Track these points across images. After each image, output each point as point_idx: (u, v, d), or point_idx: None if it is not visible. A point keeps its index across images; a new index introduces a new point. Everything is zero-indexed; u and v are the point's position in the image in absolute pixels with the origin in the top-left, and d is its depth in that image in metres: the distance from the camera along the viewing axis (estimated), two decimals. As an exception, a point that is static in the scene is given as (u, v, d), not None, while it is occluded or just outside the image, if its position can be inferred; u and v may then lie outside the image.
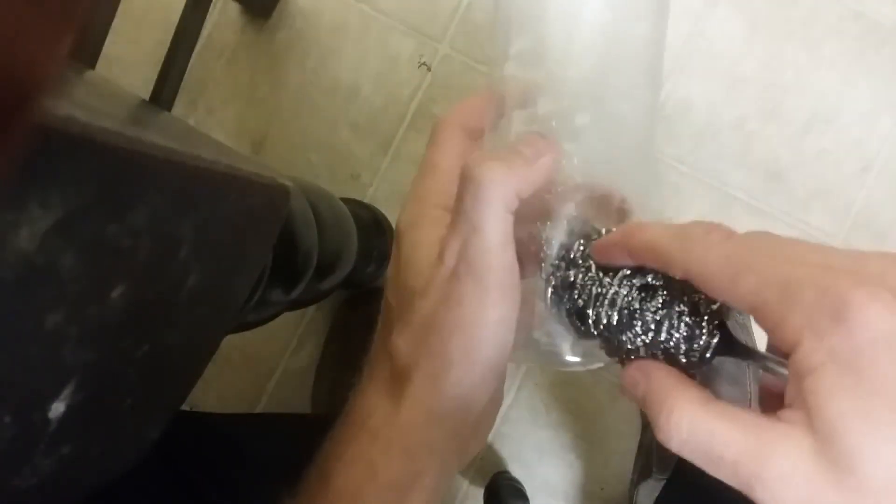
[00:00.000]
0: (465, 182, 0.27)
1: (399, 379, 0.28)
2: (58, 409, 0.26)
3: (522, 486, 0.87)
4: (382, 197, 0.89)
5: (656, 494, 0.78)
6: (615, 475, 0.89)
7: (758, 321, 0.22)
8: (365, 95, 0.88)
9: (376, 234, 0.83)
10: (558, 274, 0.28)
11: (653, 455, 0.81)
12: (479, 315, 0.27)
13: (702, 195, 0.88)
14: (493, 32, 0.31)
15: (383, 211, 0.87)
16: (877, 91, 0.88)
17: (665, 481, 0.77)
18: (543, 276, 0.28)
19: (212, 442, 0.56)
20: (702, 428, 0.22)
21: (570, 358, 0.30)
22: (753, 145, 0.88)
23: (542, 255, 0.28)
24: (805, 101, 0.88)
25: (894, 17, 0.88)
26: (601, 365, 0.30)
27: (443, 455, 0.29)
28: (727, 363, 0.25)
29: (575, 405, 0.89)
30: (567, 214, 0.28)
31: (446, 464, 0.29)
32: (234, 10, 0.89)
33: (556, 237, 0.28)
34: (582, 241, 0.28)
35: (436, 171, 0.31)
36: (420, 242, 0.29)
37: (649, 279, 0.26)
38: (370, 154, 0.89)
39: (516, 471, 0.89)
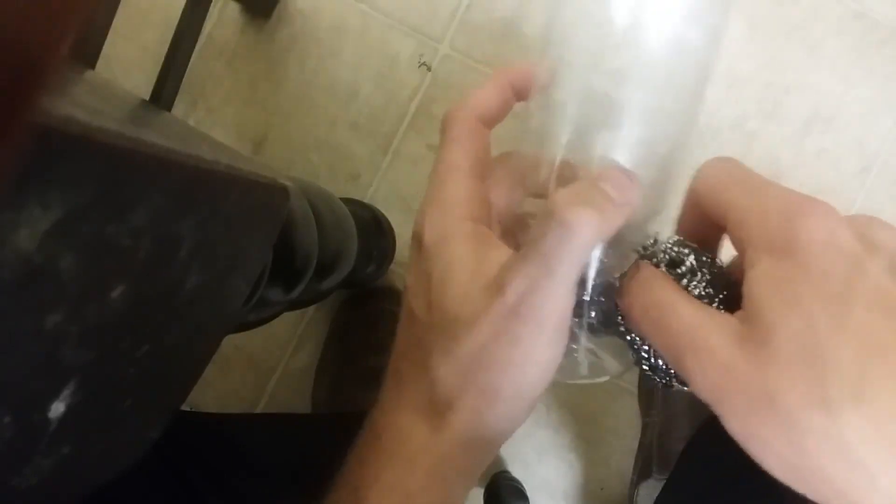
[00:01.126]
0: (552, 222, 0.25)
1: (439, 407, 0.28)
2: (58, 409, 0.26)
3: (522, 485, 0.87)
4: (382, 197, 0.89)
5: (656, 494, 0.78)
6: (615, 475, 0.89)
7: (715, 213, 0.25)
8: (365, 95, 0.88)
9: (376, 234, 0.84)
10: (600, 288, 0.27)
11: (653, 455, 0.81)
12: (534, 356, 0.26)
13: (702, 195, 0.88)
14: (554, 24, 0.29)
15: (383, 211, 0.87)
16: (877, 91, 0.88)
17: (665, 481, 0.77)
18: (591, 297, 0.27)
19: (212, 442, 0.56)
20: (665, 298, 0.25)
21: (585, 365, 0.30)
22: (753, 145, 0.88)
23: (588, 277, 0.27)
24: (805, 101, 0.88)
25: (894, 17, 0.88)
26: (607, 378, 0.30)
27: (472, 478, 0.29)
28: None
29: (575, 405, 0.89)
30: (640, 243, 0.28)
31: (472, 483, 0.30)
32: (234, 10, 0.89)
33: (615, 264, 0.27)
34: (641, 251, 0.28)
35: (456, 173, 0.29)
36: (456, 262, 0.28)
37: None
38: (370, 154, 0.89)
39: (516, 470, 0.89)
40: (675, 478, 0.74)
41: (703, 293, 0.26)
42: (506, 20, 0.88)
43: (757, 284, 0.22)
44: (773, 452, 0.22)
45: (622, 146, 0.28)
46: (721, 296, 0.26)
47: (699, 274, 0.26)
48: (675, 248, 0.27)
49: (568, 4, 0.29)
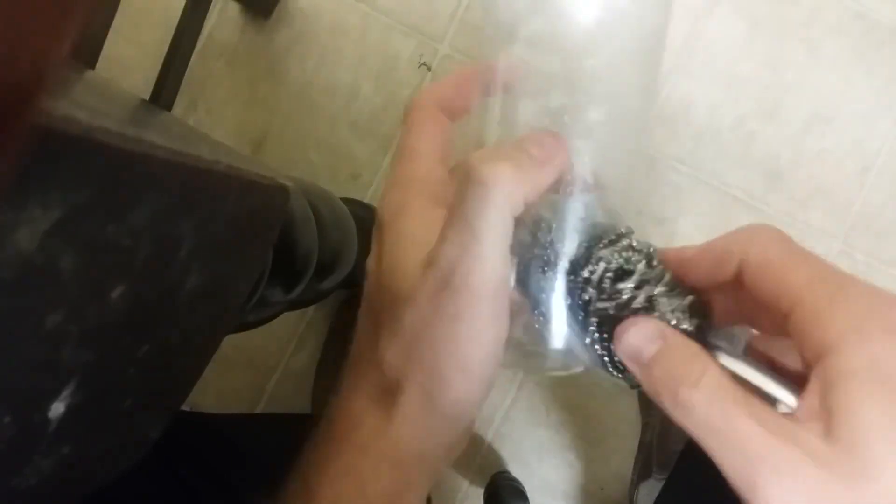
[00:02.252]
0: (468, 182, 0.24)
1: (389, 391, 0.27)
2: (58, 409, 0.26)
3: (522, 485, 0.87)
4: (382, 197, 0.89)
5: (656, 494, 0.78)
6: (615, 475, 0.89)
7: (795, 319, 0.21)
8: (365, 95, 0.88)
9: (376, 234, 0.83)
10: (567, 277, 0.26)
11: (653, 455, 0.81)
12: (475, 332, 0.25)
13: (702, 195, 0.88)
14: (495, 4, 0.28)
15: (383, 211, 0.87)
16: (877, 91, 0.88)
17: (665, 481, 0.77)
18: (542, 278, 0.27)
19: (211, 442, 0.56)
20: (721, 409, 0.21)
21: (553, 360, 0.28)
22: (753, 145, 0.88)
23: (544, 257, 0.26)
24: (805, 101, 0.88)
25: (894, 17, 0.88)
26: (582, 368, 0.29)
27: (431, 465, 0.28)
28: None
29: (575, 405, 0.89)
30: (577, 216, 0.26)
31: (433, 472, 0.28)
32: (234, 10, 0.89)
33: (564, 240, 0.26)
34: (592, 244, 0.26)
35: (414, 155, 0.29)
36: (404, 235, 0.27)
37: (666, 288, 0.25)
38: (370, 154, 0.89)
39: (516, 470, 0.89)
40: (675, 478, 0.74)
41: (664, 312, 0.24)
42: (506, 20, 0.88)
43: (855, 406, 0.20)
44: None
45: (557, 117, 0.27)
46: (688, 322, 0.24)
47: (648, 288, 0.25)
48: (631, 254, 0.26)
49: None
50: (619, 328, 0.25)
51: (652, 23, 0.28)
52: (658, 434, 0.81)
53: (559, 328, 0.27)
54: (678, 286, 0.25)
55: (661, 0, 0.28)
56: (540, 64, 0.27)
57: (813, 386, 0.21)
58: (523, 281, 0.27)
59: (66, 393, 0.26)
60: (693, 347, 0.23)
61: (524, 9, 0.27)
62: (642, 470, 0.83)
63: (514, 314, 0.27)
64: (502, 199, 0.24)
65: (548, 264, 0.26)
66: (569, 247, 0.26)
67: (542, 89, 0.27)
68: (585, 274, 0.26)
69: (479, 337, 0.25)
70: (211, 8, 0.72)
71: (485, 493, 0.86)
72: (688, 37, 0.88)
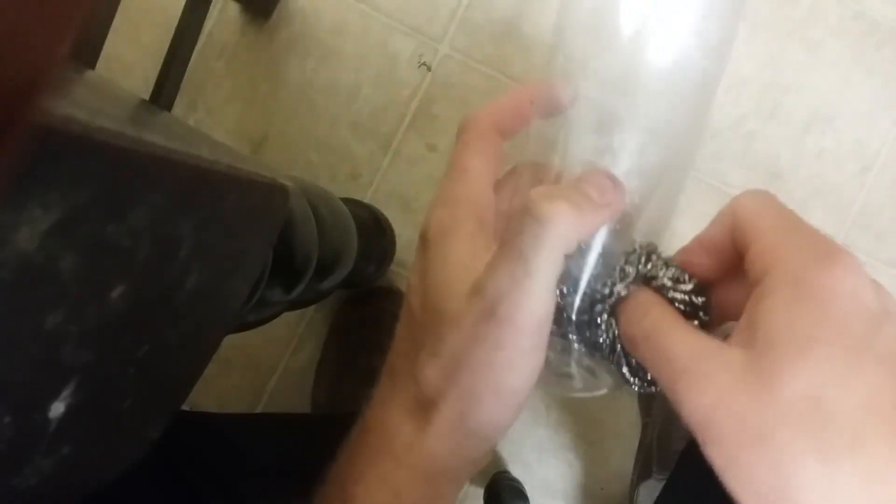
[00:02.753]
0: (527, 217, 0.25)
1: (425, 406, 0.28)
2: (57, 409, 0.26)
3: (522, 485, 0.87)
4: (382, 197, 0.89)
5: (656, 494, 0.78)
6: (615, 475, 0.89)
7: (751, 253, 0.24)
8: (365, 95, 0.88)
9: (376, 234, 0.84)
10: (596, 302, 0.27)
11: (653, 455, 0.81)
12: (516, 362, 0.26)
13: (702, 195, 0.88)
14: (564, 28, 0.29)
15: (383, 211, 0.87)
16: (877, 91, 0.88)
17: (665, 481, 0.77)
18: (575, 303, 0.27)
19: (211, 442, 0.56)
20: (664, 323, 0.24)
21: (582, 381, 0.29)
22: (753, 145, 0.88)
23: (578, 288, 0.27)
24: (805, 101, 0.88)
25: (894, 17, 0.88)
26: (605, 390, 0.30)
27: (460, 477, 0.29)
28: None
29: (575, 405, 0.89)
30: (623, 252, 0.27)
31: (461, 482, 0.30)
32: (234, 10, 0.89)
33: (598, 269, 0.27)
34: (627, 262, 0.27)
35: (467, 175, 0.29)
36: (452, 258, 0.28)
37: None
38: (370, 154, 0.89)
39: (516, 470, 0.89)
40: (676, 478, 0.74)
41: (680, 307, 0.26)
42: (506, 20, 0.88)
43: (773, 315, 0.22)
44: (754, 489, 0.21)
45: (615, 155, 0.28)
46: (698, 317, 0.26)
47: (672, 290, 0.26)
48: (658, 266, 0.27)
49: (574, 9, 0.29)
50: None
51: (713, 72, 0.28)
52: (658, 434, 0.81)
53: (590, 353, 0.28)
54: (685, 273, 0.27)
55: (725, 51, 0.28)
56: (608, 102, 0.28)
57: (748, 309, 0.23)
58: (560, 306, 0.27)
59: (66, 393, 0.26)
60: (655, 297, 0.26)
61: (599, 44, 0.28)
62: (642, 470, 0.83)
63: (559, 348, 0.28)
64: (559, 238, 0.25)
65: (582, 290, 0.27)
66: (603, 274, 0.27)
67: (608, 128, 0.28)
68: (611, 293, 0.27)
69: (517, 366, 0.26)
70: (211, 8, 0.72)
71: (485, 493, 0.86)
72: (688, 37, 0.88)
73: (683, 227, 0.30)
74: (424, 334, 0.28)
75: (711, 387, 0.22)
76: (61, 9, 0.16)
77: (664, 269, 0.27)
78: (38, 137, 0.18)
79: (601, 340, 0.27)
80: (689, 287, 0.26)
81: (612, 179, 0.27)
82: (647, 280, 0.27)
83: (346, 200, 0.83)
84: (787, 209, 0.25)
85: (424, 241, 0.30)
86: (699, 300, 0.26)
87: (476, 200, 0.29)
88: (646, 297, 0.26)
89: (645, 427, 0.86)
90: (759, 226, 0.24)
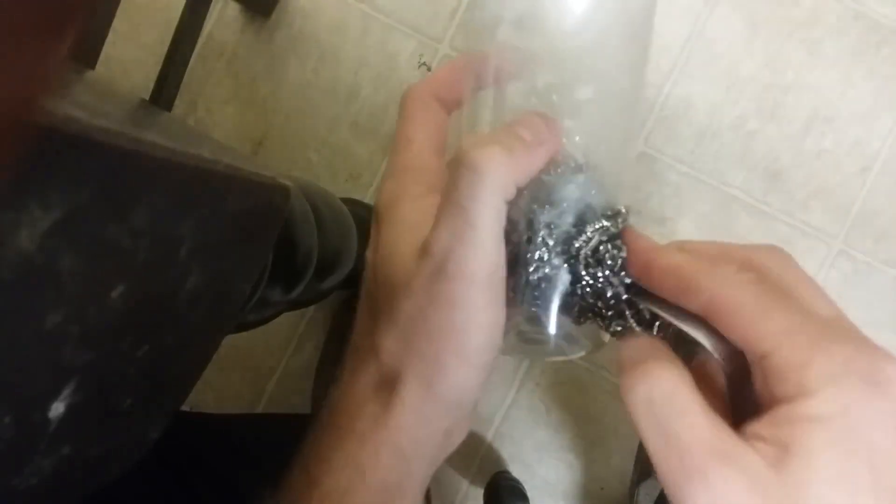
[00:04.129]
0: (460, 168, 0.24)
1: (387, 380, 0.27)
2: (58, 409, 0.26)
3: (522, 485, 0.87)
4: (382, 197, 0.89)
5: (657, 494, 0.78)
6: (615, 475, 0.89)
7: (772, 363, 0.21)
8: (365, 95, 0.88)
9: (376, 234, 0.83)
10: (562, 257, 0.26)
11: (653, 455, 0.80)
12: (472, 319, 0.25)
13: (702, 195, 0.88)
14: None
15: (383, 211, 0.87)
16: (877, 91, 0.88)
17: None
18: (536, 260, 0.26)
19: (211, 442, 0.56)
20: (675, 402, 0.22)
21: (554, 345, 0.28)
22: (753, 145, 0.88)
23: (534, 238, 0.26)
24: (805, 101, 0.88)
25: (894, 17, 0.88)
26: (582, 353, 0.29)
27: (431, 453, 0.28)
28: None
29: (575, 405, 0.89)
30: (569, 196, 0.26)
31: (433, 460, 0.28)
32: (234, 9, 0.89)
33: (556, 221, 0.26)
34: (586, 224, 0.26)
35: (410, 144, 0.29)
36: (400, 224, 0.28)
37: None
38: (370, 154, 0.89)
39: (516, 470, 0.89)
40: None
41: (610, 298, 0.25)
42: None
43: (817, 453, 0.20)
44: None
45: (542, 97, 0.27)
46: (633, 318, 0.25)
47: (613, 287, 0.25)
48: (608, 242, 0.26)
49: None
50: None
51: (638, 3, 0.28)
52: (658, 434, 0.81)
53: (557, 311, 0.27)
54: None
55: None
56: (525, 45, 0.27)
57: (777, 417, 0.21)
58: (519, 265, 0.27)
59: (66, 393, 0.26)
60: (662, 346, 0.24)
61: None
62: (642, 470, 0.83)
63: (512, 301, 0.27)
64: (494, 184, 0.24)
65: (542, 246, 0.26)
66: (564, 228, 0.26)
67: (529, 70, 0.27)
68: (579, 252, 0.26)
69: (474, 323, 0.25)
70: (211, 8, 0.72)
71: (485, 493, 0.86)
72: (688, 37, 0.88)
73: (684, 228, 0.30)
74: (380, 305, 0.27)
75: (726, 497, 0.20)
76: (61, 9, 0.16)
77: (615, 251, 0.26)
78: (39, 137, 0.18)
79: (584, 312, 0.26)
80: (625, 283, 0.26)
81: (543, 117, 0.26)
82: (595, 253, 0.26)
83: (346, 200, 0.83)
84: (796, 303, 0.22)
85: (376, 213, 0.29)
86: (626, 306, 0.26)
87: (422, 167, 0.29)
88: (653, 348, 0.24)
89: (645, 427, 0.86)
90: (773, 331, 0.21)
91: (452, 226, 0.24)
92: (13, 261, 0.21)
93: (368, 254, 0.30)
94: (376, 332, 0.27)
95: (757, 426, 0.21)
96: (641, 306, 0.26)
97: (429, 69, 0.88)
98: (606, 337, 0.28)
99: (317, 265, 0.57)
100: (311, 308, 0.90)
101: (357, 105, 0.88)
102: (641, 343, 0.25)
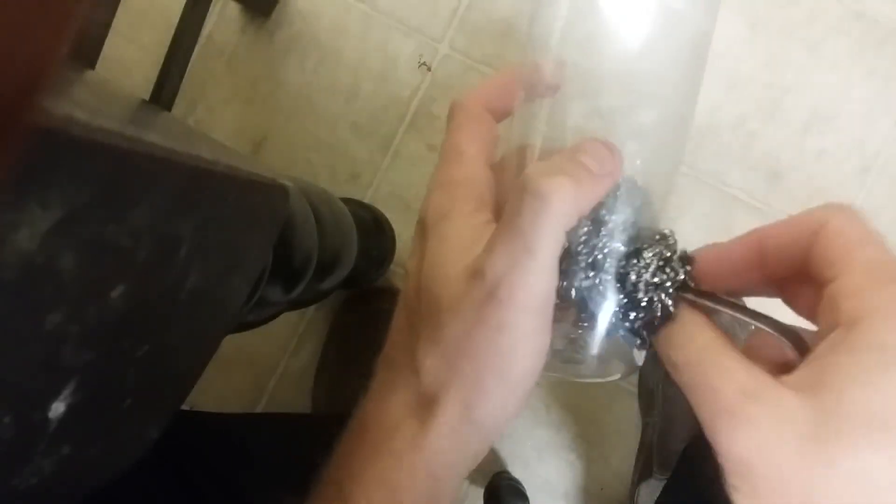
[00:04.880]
0: (525, 195, 0.24)
1: (426, 400, 0.27)
2: (58, 409, 0.26)
3: (522, 485, 0.87)
4: (382, 197, 0.89)
5: (657, 494, 0.78)
6: (615, 475, 0.89)
7: (837, 286, 0.22)
8: (365, 95, 0.88)
9: (376, 234, 0.84)
10: (615, 280, 0.26)
11: (653, 455, 0.81)
12: (518, 345, 0.25)
13: (702, 195, 0.88)
14: (542, 10, 0.28)
15: (383, 211, 0.87)
16: (877, 91, 0.88)
17: (666, 481, 0.77)
18: (587, 282, 0.26)
19: (212, 441, 0.56)
20: (710, 353, 0.23)
21: (592, 367, 0.28)
22: (754, 145, 0.88)
23: (584, 261, 0.26)
24: (805, 101, 0.88)
25: (894, 16, 0.88)
26: (618, 376, 0.29)
27: (462, 472, 0.28)
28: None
29: (575, 405, 0.89)
30: (624, 221, 0.26)
31: (462, 478, 0.28)
32: (234, 10, 0.89)
33: (609, 244, 0.26)
34: (638, 246, 0.26)
35: (462, 157, 0.29)
36: (451, 240, 0.27)
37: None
38: (370, 154, 0.89)
39: (516, 470, 0.89)
40: (676, 478, 0.74)
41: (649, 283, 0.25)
42: (505, 20, 0.88)
43: (853, 383, 0.20)
44: None
45: (604, 118, 0.27)
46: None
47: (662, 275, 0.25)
48: (664, 259, 0.26)
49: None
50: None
51: (700, 25, 0.28)
52: (659, 434, 0.81)
53: (601, 334, 0.27)
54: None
55: (710, 3, 0.27)
56: (590, 65, 0.27)
57: (821, 352, 0.21)
58: (566, 286, 0.26)
59: (66, 393, 0.26)
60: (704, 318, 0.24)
61: (575, 11, 0.27)
62: (643, 470, 0.83)
63: (554, 322, 0.26)
64: (559, 213, 0.24)
65: (592, 269, 0.26)
66: (614, 252, 0.26)
67: (593, 91, 0.27)
68: (633, 277, 0.26)
69: (521, 350, 0.25)
70: (211, 8, 0.72)
71: (485, 493, 0.86)
72: (688, 37, 0.88)
73: (685, 228, 0.29)
74: (422, 322, 0.27)
75: (758, 433, 0.20)
76: (61, 9, 0.16)
77: (678, 267, 0.26)
78: (39, 137, 0.18)
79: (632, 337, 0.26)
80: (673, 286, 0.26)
81: (608, 146, 0.26)
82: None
83: (346, 200, 0.83)
84: (886, 249, 0.22)
85: (423, 226, 0.29)
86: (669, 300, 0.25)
87: (473, 181, 0.28)
88: (692, 318, 0.25)
89: (645, 427, 0.86)
90: (855, 259, 0.22)
91: (510, 252, 0.24)
92: (13, 261, 0.20)
93: (411, 265, 0.29)
94: (417, 349, 0.27)
95: (797, 368, 0.22)
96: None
97: (429, 69, 0.88)
98: (641, 360, 0.28)
99: (317, 265, 0.57)
100: (312, 308, 0.90)
101: (357, 105, 0.88)
102: (684, 319, 0.25)
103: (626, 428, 0.89)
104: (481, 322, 0.25)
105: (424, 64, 0.88)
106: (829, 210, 0.23)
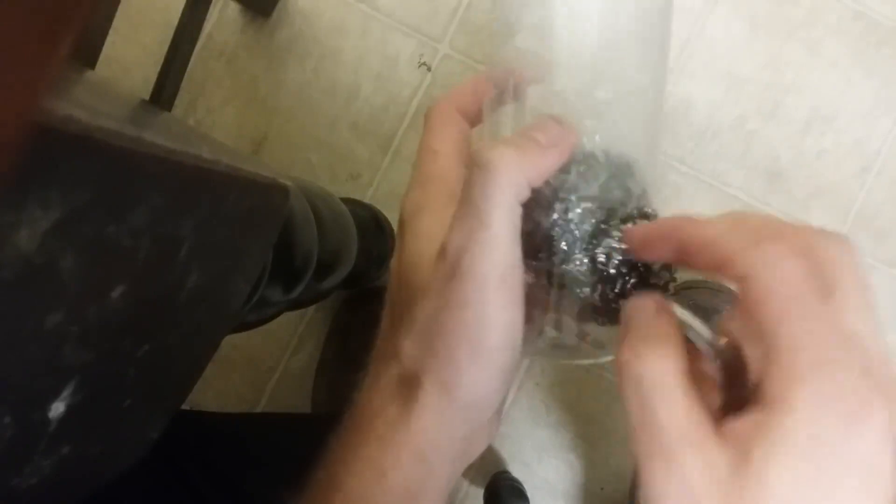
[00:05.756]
0: (473, 169, 0.25)
1: (408, 383, 0.27)
2: (58, 409, 0.26)
3: (522, 485, 0.87)
4: (382, 197, 0.89)
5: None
6: (615, 475, 0.89)
7: (772, 362, 0.21)
8: (365, 95, 0.88)
9: (376, 233, 0.83)
10: (582, 260, 0.26)
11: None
12: (485, 318, 0.25)
13: (702, 195, 0.88)
14: (499, 3, 0.29)
15: (383, 211, 0.87)
16: (877, 91, 0.88)
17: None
18: (560, 263, 0.26)
19: (213, 441, 0.56)
20: (665, 382, 0.22)
21: (583, 348, 0.28)
22: (753, 145, 0.88)
23: (557, 241, 0.26)
24: (805, 101, 0.88)
25: (894, 16, 0.88)
26: (610, 357, 0.28)
27: (452, 456, 0.28)
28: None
29: (575, 405, 0.89)
30: (591, 197, 0.26)
31: (455, 463, 0.28)
32: (234, 9, 0.89)
33: (579, 222, 0.26)
34: (609, 223, 0.26)
35: (436, 156, 0.30)
36: (422, 232, 0.28)
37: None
38: (370, 154, 0.89)
39: (516, 470, 0.89)
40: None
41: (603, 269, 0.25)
42: (506, 20, 0.88)
43: (777, 470, 0.20)
44: None
45: (561, 99, 0.28)
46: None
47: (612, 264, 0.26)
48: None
49: None
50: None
51: (656, 3, 0.28)
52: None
53: (584, 314, 0.27)
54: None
55: None
56: (543, 51, 0.28)
57: (752, 419, 0.21)
58: (542, 266, 0.27)
59: (66, 393, 0.26)
60: (666, 319, 0.24)
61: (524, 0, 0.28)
62: (642, 470, 0.83)
63: (539, 303, 0.27)
64: (506, 182, 0.24)
65: (566, 246, 0.26)
66: (585, 227, 0.26)
67: (548, 74, 0.28)
68: (601, 252, 0.26)
69: (488, 323, 0.25)
70: (211, 8, 0.72)
71: (485, 493, 0.86)
72: (688, 37, 0.88)
73: None
74: (401, 311, 0.28)
75: (682, 488, 0.21)
76: (61, 9, 0.16)
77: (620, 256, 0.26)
78: (39, 137, 0.18)
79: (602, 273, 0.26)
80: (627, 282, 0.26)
81: (556, 119, 0.27)
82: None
83: (346, 200, 0.83)
84: (816, 314, 0.21)
85: (400, 222, 0.30)
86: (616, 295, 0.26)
87: (445, 177, 0.29)
88: (657, 321, 0.24)
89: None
90: (781, 344, 0.21)
91: (466, 225, 0.25)
92: (13, 261, 0.20)
93: (392, 263, 0.30)
94: (398, 336, 0.28)
95: (734, 423, 0.22)
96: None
97: (429, 69, 0.88)
98: None
99: (316, 265, 0.57)
100: (312, 308, 0.90)
101: (357, 105, 0.88)
102: (647, 309, 0.25)
103: (626, 428, 0.89)
104: (447, 299, 0.25)
105: (424, 64, 0.88)
106: (751, 259, 0.22)
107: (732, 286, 0.25)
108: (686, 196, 0.88)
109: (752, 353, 0.23)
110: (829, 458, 0.20)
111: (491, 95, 0.30)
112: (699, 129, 0.88)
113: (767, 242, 0.22)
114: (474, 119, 0.31)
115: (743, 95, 0.88)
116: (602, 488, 0.90)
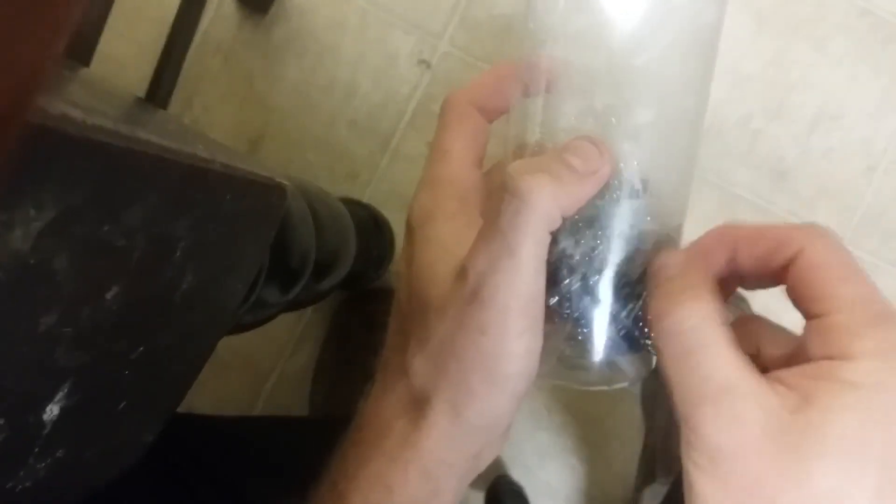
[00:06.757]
0: (505, 195, 0.24)
1: (416, 401, 0.27)
2: (52, 411, 0.26)
3: (523, 489, 0.86)
4: (381, 196, 0.88)
5: (660, 499, 0.77)
6: (617, 479, 0.89)
7: (828, 322, 0.22)
8: (363, 93, 0.88)
9: (375, 233, 0.83)
10: (613, 287, 0.26)
11: (656, 459, 0.80)
12: (504, 347, 0.24)
13: (707, 194, 0.88)
14: (536, 3, 0.27)
15: (382, 210, 0.86)
16: (883, 89, 0.88)
17: (669, 486, 0.76)
18: (585, 288, 0.26)
19: (209, 444, 0.56)
20: (706, 335, 0.22)
21: (598, 373, 0.28)
22: (759, 144, 0.88)
23: (588, 267, 0.25)
24: (811, 99, 0.88)
25: (899, 14, 0.88)
26: (626, 383, 0.28)
27: (460, 474, 0.28)
28: None
29: (577, 408, 0.89)
30: (623, 223, 0.25)
31: (462, 480, 0.28)
32: (231, 6, 0.88)
33: (609, 249, 0.25)
34: (639, 249, 0.26)
35: (448, 156, 0.29)
36: (434, 241, 0.27)
37: None
38: (369, 153, 0.88)
39: (517, 474, 0.89)
40: (680, 483, 0.73)
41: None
42: (506, 17, 0.87)
43: (840, 412, 0.20)
44: None
45: (598, 118, 0.26)
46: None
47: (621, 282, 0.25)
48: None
49: None
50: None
51: (705, 18, 0.26)
52: (662, 438, 0.81)
53: (603, 340, 0.26)
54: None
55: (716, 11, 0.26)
56: (584, 62, 0.26)
57: (809, 370, 0.21)
58: (565, 292, 0.26)
59: (60, 395, 0.26)
60: (700, 269, 0.24)
61: (570, 4, 0.26)
62: (646, 475, 0.83)
63: (557, 327, 0.26)
64: (539, 213, 0.23)
65: (592, 274, 0.26)
66: (614, 256, 0.26)
67: (587, 89, 0.26)
68: (632, 281, 0.25)
69: (507, 351, 0.24)
70: (207, 4, 0.71)
71: (485, 496, 0.86)
72: (687, 35, 0.88)
73: (688, 228, 0.29)
74: (412, 324, 0.27)
75: (738, 430, 0.21)
76: (56, 7, 0.16)
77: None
78: (33, 136, 0.18)
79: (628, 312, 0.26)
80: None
81: (595, 144, 0.25)
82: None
83: (345, 200, 0.83)
84: (869, 281, 0.22)
85: (409, 227, 0.29)
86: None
87: (457, 180, 0.28)
88: (691, 271, 0.24)
89: (648, 431, 0.86)
90: (840, 298, 0.22)
91: (491, 252, 0.24)
92: (6, 261, 0.20)
93: (400, 266, 0.29)
94: (407, 351, 0.27)
95: (785, 373, 0.22)
96: None
97: (428, 66, 0.88)
98: (653, 364, 0.27)
99: (314, 266, 0.57)
100: (309, 309, 0.89)
101: (355, 103, 0.88)
102: (678, 261, 0.25)
103: (628, 432, 0.89)
104: (465, 323, 0.25)
105: (424, 61, 0.88)
106: (804, 234, 0.23)
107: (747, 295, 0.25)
108: (691, 195, 0.88)
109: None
110: (893, 406, 0.20)
111: (516, 93, 0.28)
112: (704, 128, 0.88)
113: (811, 225, 0.23)
114: (492, 115, 0.30)
115: (748, 93, 0.88)
116: (604, 493, 0.89)
